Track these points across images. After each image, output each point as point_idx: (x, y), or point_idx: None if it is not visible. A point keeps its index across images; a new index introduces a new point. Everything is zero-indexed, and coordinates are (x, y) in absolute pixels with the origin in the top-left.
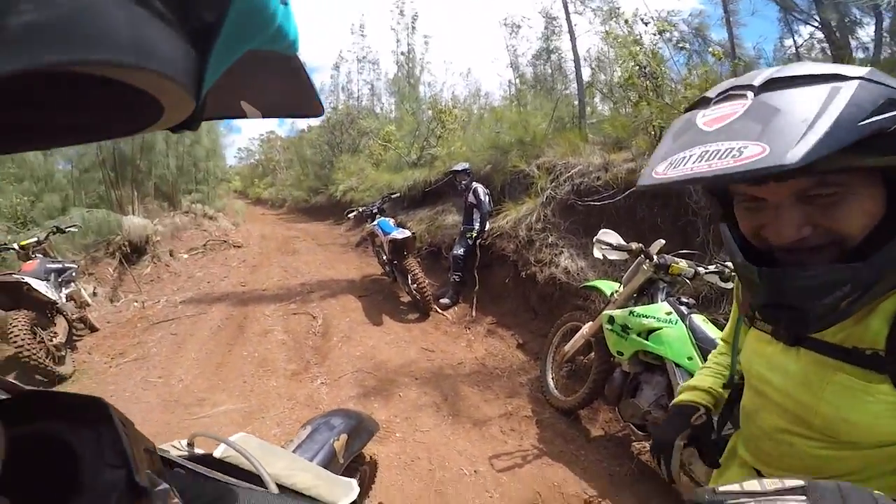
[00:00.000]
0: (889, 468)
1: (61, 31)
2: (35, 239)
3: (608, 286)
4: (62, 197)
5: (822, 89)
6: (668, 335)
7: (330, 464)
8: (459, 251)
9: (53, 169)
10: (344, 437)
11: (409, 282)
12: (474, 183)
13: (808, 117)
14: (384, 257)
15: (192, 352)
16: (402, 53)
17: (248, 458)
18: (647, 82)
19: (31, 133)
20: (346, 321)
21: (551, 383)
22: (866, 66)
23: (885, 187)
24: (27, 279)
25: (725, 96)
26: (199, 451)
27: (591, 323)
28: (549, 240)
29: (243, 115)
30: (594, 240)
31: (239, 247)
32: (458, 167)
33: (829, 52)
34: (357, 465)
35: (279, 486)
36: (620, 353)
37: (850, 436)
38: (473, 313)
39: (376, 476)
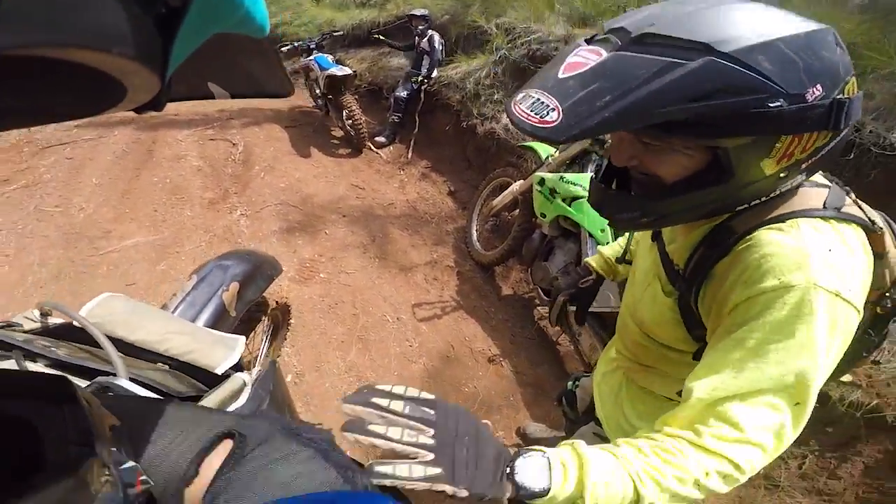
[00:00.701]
0: (677, 370)
1: (22, 15)
2: None
3: (544, 149)
4: None
5: (661, 62)
6: (588, 206)
7: (220, 319)
8: (402, 93)
9: None
10: (235, 286)
11: (345, 118)
12: (430, 31)
13: (616, 93)
14: (318, 92)
15: (92, 177)
16: None
17: (84, 325)
18: None
19: None
20: (270, 150)
21: (475, 235)
22: None
23: (709, 155)
24: None
25: (598, 39)
26: (54, 320)
27: (521, 181)
28: (496, 97)
29: (211, 96)
30: (526, 94)
31: None
32: (417, 12)
33: None
34: (260, 313)
35: (151, 351)
36: (543, 216)
37: (649, 330)
38: (409, 155)
39: (290, 320)
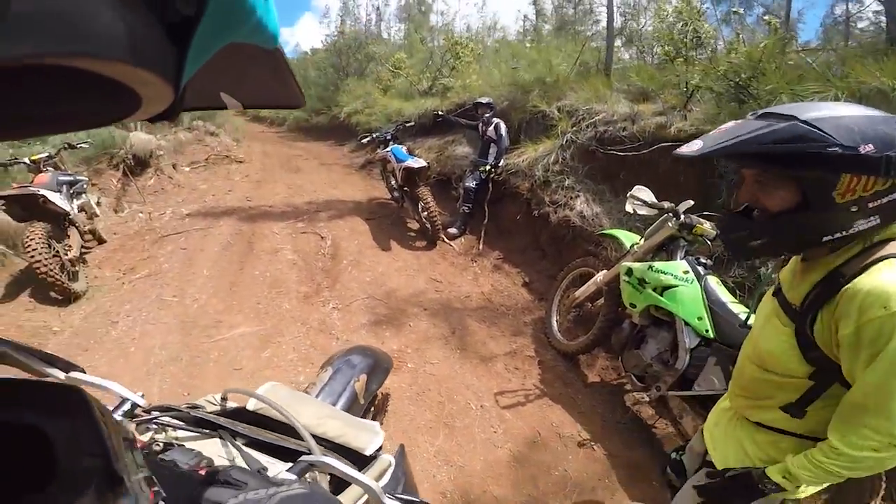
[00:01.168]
0: (786, 396)
1: (41, 24)
2: (46, 154)
3: (628, 237)
4: None
5: (761, 123)
6: (683, 293)
7: (352, 406)
8: (471, 183)
9: None
10: (363, 377)
11: (420, 209)
12: (495, 118)
13: (735, 135)
14: (394, 183)
15: (203, 268)
16: None
17: (282, 412)
18: (687, 39)
19: (7, 124)
20: (354, 244)
21: (555, 326)
22: None
23: (798, 189)
24: (43, 191)
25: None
26: (231, 404)
27: (605, 271)
28: (566, 182)
29: (223, 106)
30: (628, 195)
31: (241, 162)
32: (483, 100)
33: (884, 25)
34: (372, 400)
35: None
36: (633, 305)
37: (767, 363)
38: (480, 246)
39: (387, 408)
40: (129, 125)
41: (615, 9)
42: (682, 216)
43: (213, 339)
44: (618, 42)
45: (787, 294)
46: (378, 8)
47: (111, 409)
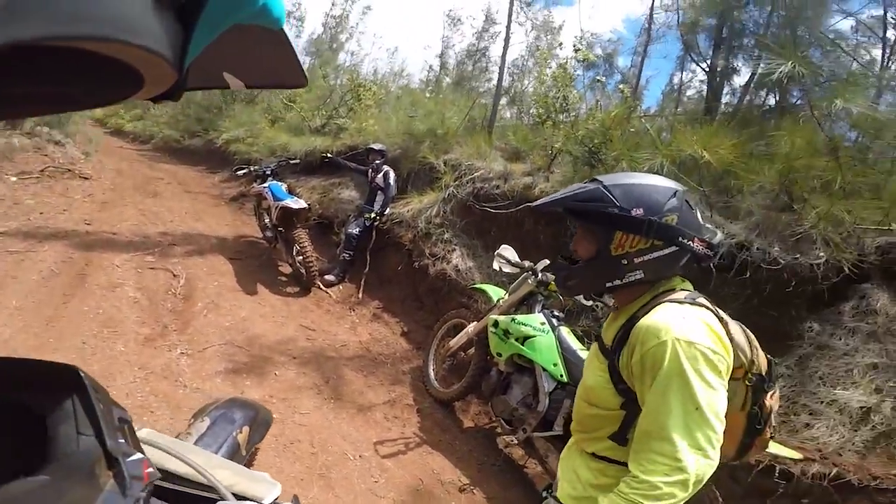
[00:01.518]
0: (611, 427)
1: (47, 6)
2: None
3: (495, 292)
4: None
5: (580, 185)
6: (540, 343)
7: (234, 458)
8: (355, 230)
9: None
10: (246, 429)
11: (295, 253)
12: (385, 166)
13: (562, 193)
14: (267, 221)
15: (13, 298)
16: (333, 17)
17: (183, 458)
18: (557, 103)
19: (15, 102)
20: (214, 284)
21: (432, 374)
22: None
23: (594, 241)
24: None
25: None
26: None
27: (476, 323)
28: (445, 236)
29: (226, 86)
30: (496, 253)
31: (87, 178)
32: (376, 146)
33: (704, 93)
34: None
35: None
36: (499, 354)
37: (591, 398)
38: (360, 295)
39: (254, 461)
40: None
41: (508, 70)
42: (540, 274)
43: None
44: (503, 101)
45: (603, 337)
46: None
47: None
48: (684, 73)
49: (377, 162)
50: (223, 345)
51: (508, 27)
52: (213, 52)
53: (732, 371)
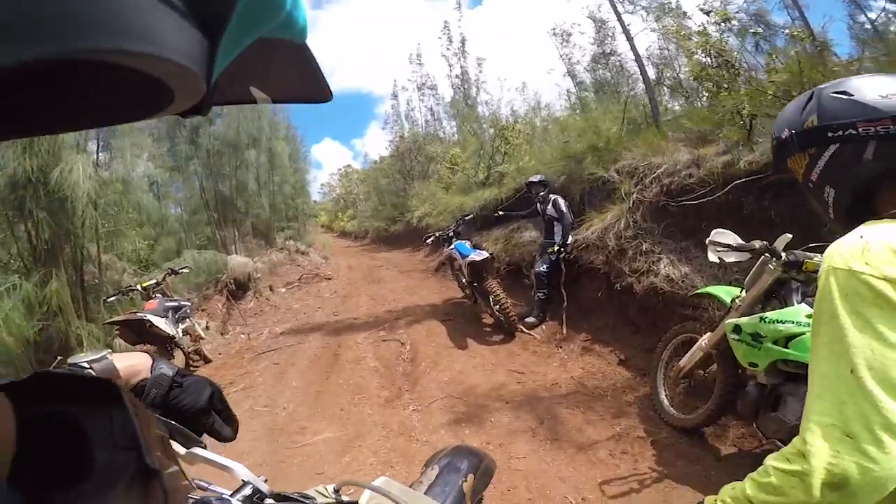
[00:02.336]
0: None
1: (72, 20)
2: (154, 280)
3: (726, 292)
4: (176, 240)
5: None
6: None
7: None
8: (542, 268)
9: (167, 213)
10: (471, 477)
11: (491, 303)
12: (552, 195)
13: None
14: (463, 280)
15: (293, 380)
16: (457, 76)
17: None
18: (724, 72)
19: (42, 117)
20: (432, 346)
21: (665, 401)
22: None
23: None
24: (149, 317)
25: None
26: (345, 498)
27: (709, 334)
28: (644, 247)
29: (253, 101)
30: (707, 242)
31: (329, 279)
32: (534, 178)
33: None
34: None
35: None
36: (754, 365)
37: None
38: (564, 331)
39: None
40: (229, 249)
41: (648, 61)
42: (784, 254)
43: (298, 445)
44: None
45: None
46: (431, 109)
47: (230, 493)
48: (867, 11)
49: (541, 193)
50: (444, 398)
51: (620, 20)
52: (238, 66)
53: None
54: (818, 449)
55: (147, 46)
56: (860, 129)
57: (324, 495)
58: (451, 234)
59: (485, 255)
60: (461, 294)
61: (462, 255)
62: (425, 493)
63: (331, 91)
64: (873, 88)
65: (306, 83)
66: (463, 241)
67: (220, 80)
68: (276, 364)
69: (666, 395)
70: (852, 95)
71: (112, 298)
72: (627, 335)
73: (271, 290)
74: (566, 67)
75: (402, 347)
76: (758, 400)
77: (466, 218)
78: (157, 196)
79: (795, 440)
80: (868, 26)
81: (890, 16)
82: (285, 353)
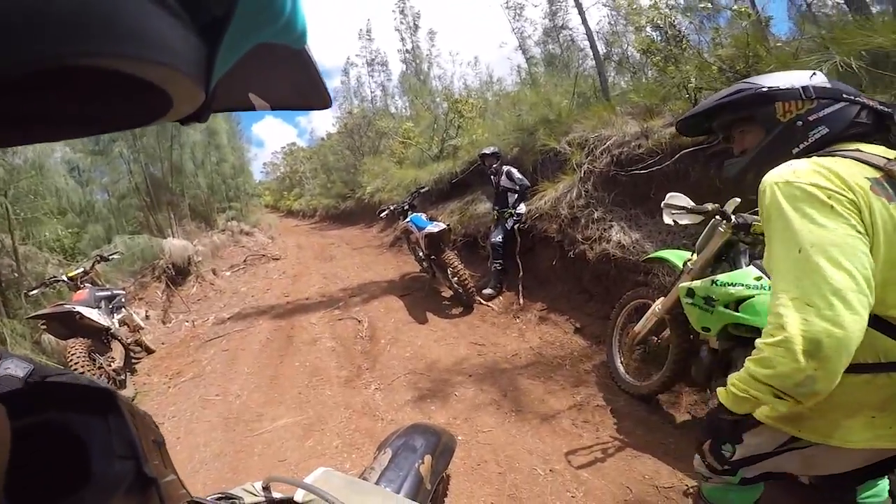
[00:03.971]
0: None
1: (70, 25)
2: (82, 269)
3: (678, 256)
4: (105, 227)
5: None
6: (763, 302)
7: (419, 492)
8: (498, 238)
9: (93, 199)
10: (428, 458)
11: (450, 275)
12: (505, 166)
13: (706, 102)
14: (420, 253)
15: (244, 366)
16: (408, 51)
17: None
18: (672, 47)
19: (40, 125)
20: (391, 322)
21: (621, 368)
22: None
23: (758, 125)
24: (78, 308)
25: None
26: (276, 495)
27: (663, 299)
28: (595, 215)
29: (252, 108)
30: (662, 205)
31: (277, 259)
32: (487, 150)
33: (844, 7)
34: (438, 484)
35: None
36: (706, 329)
37: None
38: (521, 301)
39: (448, 490)
40: (165, 233)
41: (599, 36)
42: (733, 217)
43: (256, 433)
44: (612, 69)
45: None
46: (382, 84)
47: None
48: None
49: (494, 165)
50: (407, 374)
51: None
52: (237, 72)
53: None
54: (790, 319)
55: (146, 52)
56: (862, 98)
57: (252, 493)
58: (406, 207)
59: (442, 226)
60: (418, 268)
61: (419, 228)
62: (378, 481)
63: (330, 98)
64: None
65: (305, 89)
66: (419, 214)
67: (219, 86)
68: (225, 351)
69: (621, 363)
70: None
71: (35, 291)
72: (582, 303)
73: (214, 273)
74: (518, 41)
75: (360, 325)
76: (710, 365)
77: (422, 190)
78: (81, 182)
79: (770, 318)
80: (804, 8)
81: None
82: (234, 339)
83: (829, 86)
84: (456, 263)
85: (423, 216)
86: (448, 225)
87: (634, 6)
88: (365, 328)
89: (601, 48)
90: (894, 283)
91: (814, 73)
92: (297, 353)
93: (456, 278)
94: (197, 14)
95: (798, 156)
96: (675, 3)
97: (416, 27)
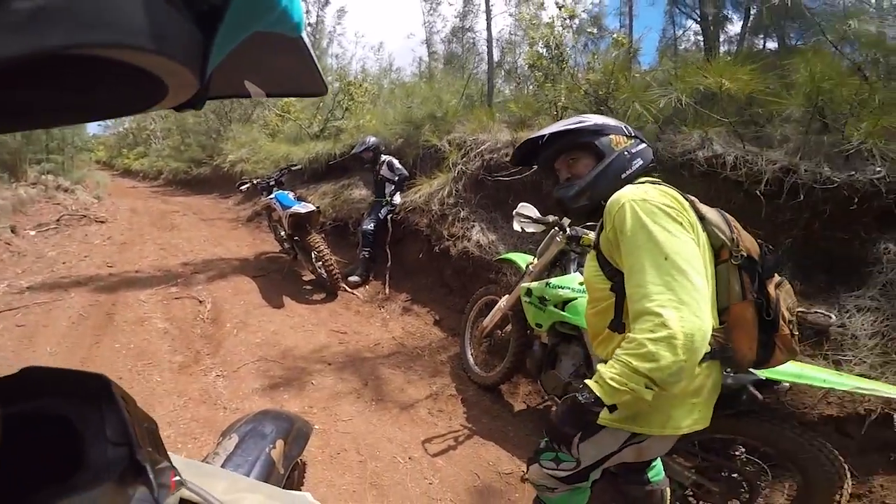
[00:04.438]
0: (609, 315)
1: (70, 15)
2: None
3: (522, 258)
4: None
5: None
6: (582, 305)
7: (270, 477)
8: (370, 226)
9: None
10: (280, 443)
11: (314, 259)
12: (385, 156)
13: (542, 131)
14: (282, 233)
15: (47, 346)
16: (310, 24)
17: (189, 488)
18: (554, 65)
19: (40, 111)
20: (240, 304)
21: (471, 360)
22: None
23: (592, 152)
24: None
25: None
26: None
27: (508, 296)
28: (462, 214)
29: (247, 95)
30: (514, 213)
31: (103, 222)
32: (361, 147)
33: (701, 45)
34: (292, 469)
35: None
36: (539, 325)
37: (589, 293)
38: (387, 290)
39: (304, 478)
40: None
41: (498, 43)
42: (569, 229)
43: None
44: (501, 76)
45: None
46: None
47: None
48: (676, 28)
49: (370, 156)
50: (257, 361)
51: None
52: (233, 60)
53: (717, 252)
54: (670, 317)
55: (144, 42)
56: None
57: None
58: (272, 182)
59: (311, 207)
60: (278, 248)
61: (283, 206)
62: (223, 465)
63: (326, 85)
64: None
65: (301, 77)
66: (286, 192)
67: (215, 73)
68: (20, 326)
69: (471, 354)
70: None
71: None
72: (443, 296)
73: (13, 231)
74: (426, 35)
75: (202, 306)
76: (541, 358)
77: (293, 167)
78: None
79: (648, 317)
80: (671, 41)
81: (689, 33)
82: (35, 313)
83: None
84: (322, 247)
85: (291, 195)
86: (318, 207)
87: (535, 21)
88: (208, 309)
89: (497, 55)
90: None
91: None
92: (119, 334)
93: (321, 262)
94: (194, 4)
95: (626, 181)
96: (571, 24)
97: (327, 2)
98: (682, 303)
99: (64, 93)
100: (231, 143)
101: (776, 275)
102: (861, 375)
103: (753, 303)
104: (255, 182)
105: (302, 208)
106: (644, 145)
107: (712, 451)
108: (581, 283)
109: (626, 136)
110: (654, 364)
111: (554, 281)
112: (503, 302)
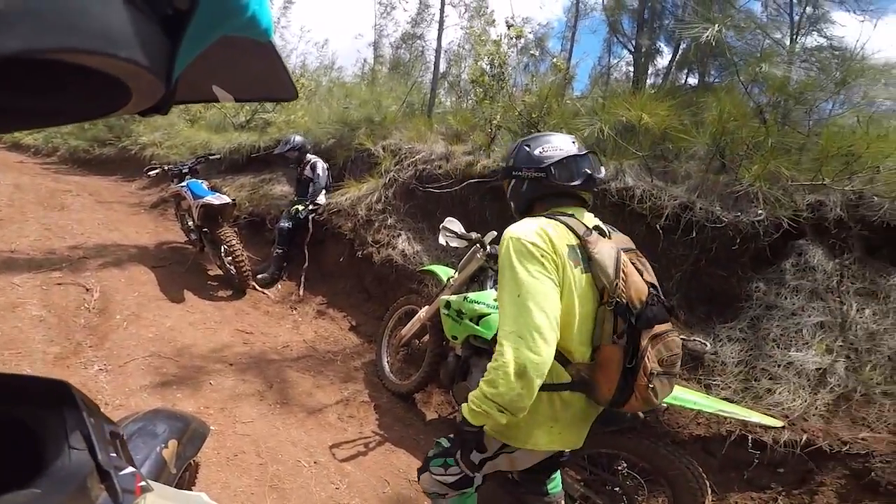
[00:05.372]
0: None
1: (29, 20)
2: None
3: (445, 271)
4: None
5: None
6: (495, 321)
7: (161, 476)
8: (286, 223)
9: None
10: (174, 443)
11: (223, 253)
12: (312, 156)
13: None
14: (190, 223)
15: None
16: None
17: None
18: (494, 83)
19: (8, 116)
20: (133, 296)
21: (387, 367)
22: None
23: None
24: None
25: None
26: None
27: (428, 307)
28: (389, 221)
29: (215, 99)
30: (441, 226)
31: None
32: (285, 147)
33: (631, 74)
34: (185, 469)
35: None
36: (455, 338)
37: None
38: (301, 292)
39: (196, 479)
40: None
41: (445, 54)
42: (489, 247)
43: None
44: (443, 87)
45: None
46: None
47: None
48: (611, 56)
49: (296, 155)
50: (147, 357)
51: (442, 10)
52: (201, 64)
53: (602, 293)
54: (507, 348)
55: (106, 47)
56: (523, 172)
57: None
58: (185, 170)
59: (225, 199)
60: (183, 238)
61: (195, 196)
62: None
63: (296, 90)
64: (539, 145)
65: (270, 81)
66: (199, 181)
67: (182, 77)
68: None
69: (387, 362)
70: (528, 148)
71: None
72: (361, 302)
73: None
74: (375, 37)
75: (87, 294)
76: (454, 370)
77: (211, 156)
78: None
79: (497, 347)
80: (604, 69)
81: (622, 63)
82: None
83: (511, 164)
84: (233, 241)
85: (205, 184)
86: (233, 200)
87: (483, 37)
88: (95, 298)
89: (443, 66)
90: (568, 326)
91: (518, 144)
92: None
93: (230, 258)
94: (159, 8)
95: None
96: (517, 43)
97: None
98: (521, 337)
99: (27, 97)
100: (144, 125)
101: (662, 325)
102: (726, 399)
103: (621, 348)
104: (165, 168)
105: (216, 199)
106: (514, 180)
107: (599, 466)
108: (495, 300)
109: (530, 166)
110: (495, 390)
111: (471, 296)
112: (423, 312)
